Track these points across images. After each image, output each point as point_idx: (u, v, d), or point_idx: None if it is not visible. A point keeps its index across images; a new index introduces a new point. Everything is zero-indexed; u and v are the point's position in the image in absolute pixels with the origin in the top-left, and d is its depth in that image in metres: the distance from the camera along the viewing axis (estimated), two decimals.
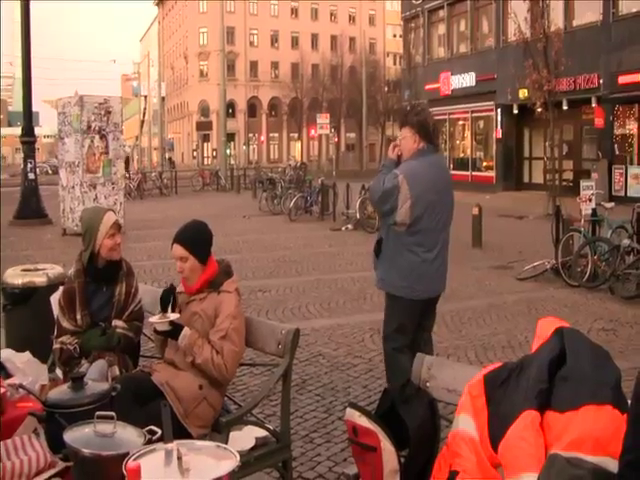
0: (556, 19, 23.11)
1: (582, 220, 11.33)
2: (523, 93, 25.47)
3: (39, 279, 5.64)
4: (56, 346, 4.25)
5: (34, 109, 22.18)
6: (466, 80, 32.50)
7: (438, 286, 5.23)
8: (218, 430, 3.54)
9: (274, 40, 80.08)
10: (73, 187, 17.84)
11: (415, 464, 2.72)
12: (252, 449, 3.57)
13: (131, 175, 33.08)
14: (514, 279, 11.30)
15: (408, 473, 2.70)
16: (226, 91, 43.90)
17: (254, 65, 78.50)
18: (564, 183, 24.83)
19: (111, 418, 2.32)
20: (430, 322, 5.41)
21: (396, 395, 2.89)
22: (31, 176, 20.32)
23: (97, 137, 17.52)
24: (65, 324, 4.29)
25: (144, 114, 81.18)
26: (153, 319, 3.87)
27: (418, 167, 4.92)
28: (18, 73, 37.08)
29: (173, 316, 3.83)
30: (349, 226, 18.41)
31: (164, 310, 3.90)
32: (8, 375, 3.64)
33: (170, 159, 45.13)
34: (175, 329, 3.80)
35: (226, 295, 3.87)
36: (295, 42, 79.52)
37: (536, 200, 22.90)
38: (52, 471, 2.39)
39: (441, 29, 36.16)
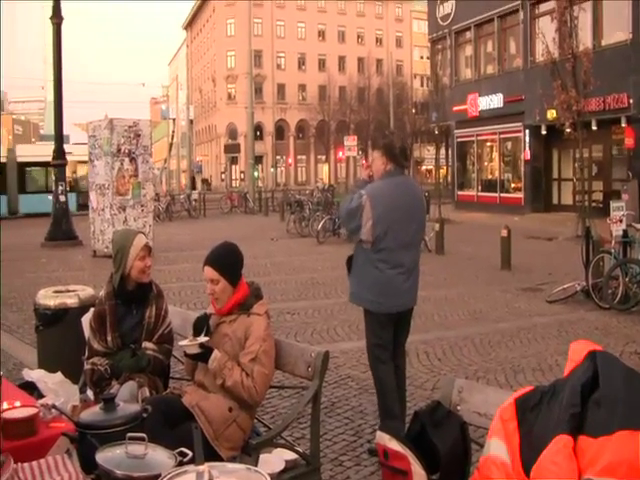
0: (584, 39, 23.01)
1: (613, 241, 11.21)
2: (551, 114, 25.33)
3: (71, 300, 5.70)
4: (87, 367, 4.29)
5: (65, 132, 22.49)
6: (494, 101, 32.43)
7: (405, 301, 5.32)
8: (248, 452, 3.53)
9: (301, 63, 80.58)
10: (103, 209, 18.02)
11: None
12: (282, 472, 3.56)
13: (160, 197, 33.37)
14: (544, 301, 11.19)
15: None
16: (254, 114, 44.26)
17: (281, 88, 79.00)
18: (594, 204, 24.59)
19: (142, 440, 2.33)
20: (404, 336, 5.51)
21: (427, 418, 2.88)
22: (62, 198, 20.58)
23: (127, 160, 17.70)
24: (96, 345, 4.33)
25: (172, 137, 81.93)
26: (183, 343, 3.90)
27: (383, 188, 5.15)
28: (50, 97, 37.50)
29: (203, 339, 3.85)
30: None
31: (196, 335, 3.93)
32: (40, 395, 3.69)
33: (206, 180, 45.37)
34: (205, 352, 3.82)
35: (256, 318, 3.89)
36: (322, 64, 79.96)
37: (565, 221, 22.72)
38: None
39: (468, 50, 36.18)
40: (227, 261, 4.02)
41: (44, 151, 28.28)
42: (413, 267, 5.32)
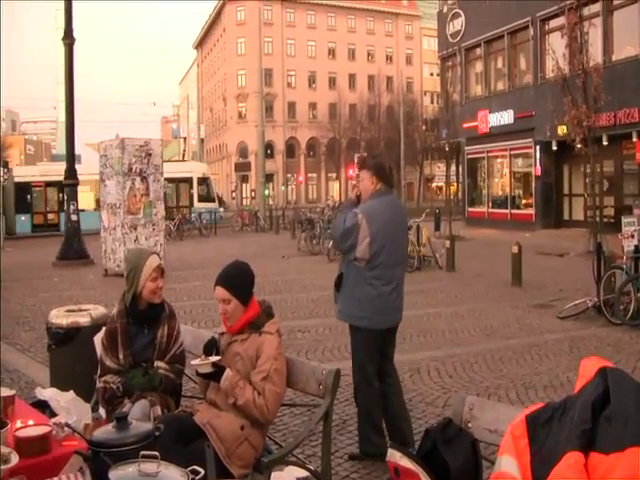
0: (595, 54, 23.03)
1: (624, 257, 11.16)
2: (562, 129, 25.33)
3: (83, 319, 5.73)
4: (99, 385, 4.31)
5: (76, 152, 22.64)
6: (504, 117, 32.47)
7: (395, 316, 5.51)
8: (259, 470, 3.55)
9: (312, 81, 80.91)
10: (114, 228, 18.10)
11: None
12: None
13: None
14: (555, 317, 11.16)
15: None
16: (264, 132, 44.38)
17: (292, 106, 79.30)
18: (605, 220, 24.52)
19: (155, 458, 2.34)
20: (391, 350, 5.68)
21: (438, 435, 2.88)
22: (74, 217, 20.68)
23: (138, 179, 17.79)
24: (108, 363, 4.36)
25: (183, 155, 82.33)
26: (195, 362, 3.91)
27: (376, 207, 5.31)
28: (61, 117, 37.98)
29: (214, 358, 3.87)
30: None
31: (207, 355, 3.96)
32: (53, 414, 3.70)
33: (220, 198, 45.89)
34: (217, 371, 3.84)
35: (267, 336, 3.91)
36: (332, 82, 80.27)
37: (577, 237, 22.66)
38: None
39: (478, 67, 36.27)
40: (238, 281, 4.05)
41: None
42: (402, 283, 5.55)
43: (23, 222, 36.85)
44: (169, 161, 45.73)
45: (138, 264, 4.42)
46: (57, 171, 32.90)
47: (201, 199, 40.10)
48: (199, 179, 40.84)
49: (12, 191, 35.83)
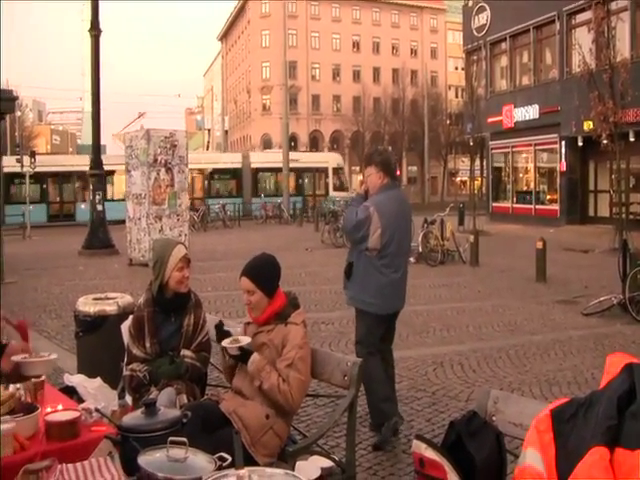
0: (622, 49, 22.81)
1: None
2: (588, 125, 25.12)
3: (110, 308, 5.80)
4: (126, 373, 4.36)
5: (102, 142, 22.83)
6: (529, 112, 32.23)
7: (400, 302, 5.91)
8: (284, 459, 3.58)
9: (336, 74, 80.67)
10: (140, 219, 18.23)
11: None
12: (318, 479, 3.58)
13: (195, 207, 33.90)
14: (579, 314, 11.10)
15: None
16: (288, 124, 44.36)
17: (316, 99, 79.14)
18: (631, 216, 24.32)
19: (183, 444, 2.38)
20: (391, 334, 6.06)
21: (463, 428, 2.89)
22: (99, 207, 20.86)
23: (163, 170, 17.91)
24: (135, 351, 4.41)
25: (208, 147, 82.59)
26: (225, 342, 3.96)
27: (385, 200, 5.63)
28: (87, 107, 38.63)
29: (245, 340, 3.92)
30: (411, 259, 18.32)
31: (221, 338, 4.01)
32: (80, 400, 3.76)
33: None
34: (245, 354, 3.89)
35: (293, 327, 3.94)
36: (357, 76, 79.99)
37: (602, 234, 22.49)
38: None
39: (503, 61, 36.02)
40: (264, 273, 4.07)
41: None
42: (407, 271, 5.92)
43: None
44: (305, 152, 52.17)
45: (164, 254, 4.46)
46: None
47: (335, 188, 42.33)
48: (334, 169, 43.29)
49: None
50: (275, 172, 42.21)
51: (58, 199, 39.24)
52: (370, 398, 5.71)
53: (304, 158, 44.07)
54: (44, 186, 38.33)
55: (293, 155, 43.28)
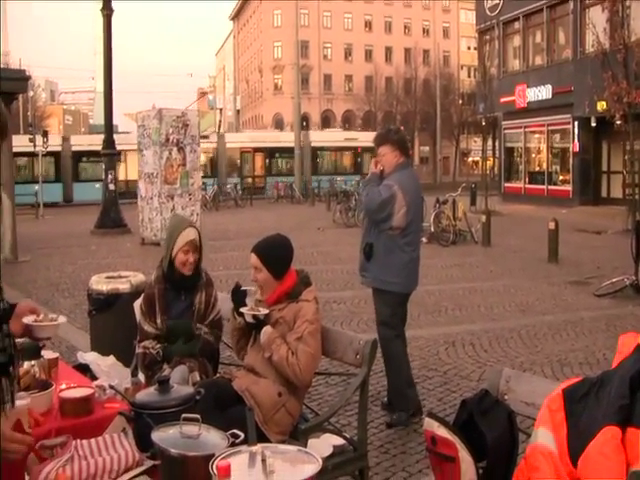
0: (637, 29, 22.55)
1: None
2: (601, 105, 24.91)
3: (123, 286, 5.82)
4: (139, 350, 4.38)
5: (114, 122, 22.85)
6: (542, 92, 32.00)
7: (418, 280, 5.91)
8: (296, 437, 3.60)
9: (348, 53, 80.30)
10: (152, 198, 18.27)
11: (493, 475, 2.71)
12: (330, 457, 3.60)
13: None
14: (591, 295, 11.08)
15: None
16: (300, 104, 44.29)
17: (328, 78, 78.85)
18: None
19: (196, 420, 2.39)
20: (406, 315, 5.99)
21: (474, 406, 2.90)
22: (111, 187, 20.92)
23: (175, 149, 17.92)
24: (147, 327, 4.43)
25: (219, 127, 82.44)
26: (244, 309, 3.97)
27: (406, 178, 5.65)
28: (99, 87, 38.76)
29: (263, 311, 3.94)
30: (423, 239, 18.27)
31: (239, 306, 4.02)
32: (93, 377, 3.79)
33: None
34: (259, 323, 3.91)
35: (305, 303, 3.95)
36: (369, 55, 79.59)
37: (615, 215, 22.37)
38: (140, 469, 2.49)
39: (516, 41, 35.73)
40: (273, 253, 4.06)
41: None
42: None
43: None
44: (363, 131, 50.48)
45: (174, 233, 4.47)
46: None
47: None
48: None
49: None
50: (334, 151, 42.95)
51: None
52: (394, 382, 5.69)
53: (362, 137, 43.81)
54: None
55: (351, 134, 44.33)
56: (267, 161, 43.91)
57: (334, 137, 44.25)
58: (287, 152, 43.12)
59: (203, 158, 37.66)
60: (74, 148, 38.06)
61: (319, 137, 45.66)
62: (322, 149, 44.44)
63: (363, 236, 5.87)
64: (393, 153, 5.62)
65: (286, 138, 44.65)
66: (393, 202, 5.47)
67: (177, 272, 4.44)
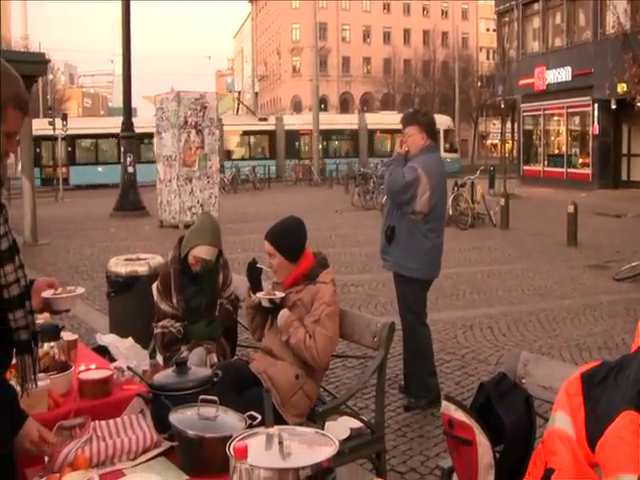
0: None
1: None
2: (622, 87, 24.68)
3: (141, 268, 5.85)
4: (157, 331, 4.40)
5: (132, 105, 22.88)
6: (562, 75, 31.68)
7: (440, 267, 5.76)
8: (313, 420, 3.60)
9: (366, 35, 79.92)
10: (170, 180, 18.31)
11: (510, 459, 2.71)
12: (347, 439, 3.61)
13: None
14: (611, 279, 11.00)
15: (503, 468, 2.69)
16: (318, 86, 44.17)
17: (346, 61, 78.56)
18: None
19: (214, 402, 2.40)
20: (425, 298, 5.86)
21: (492, 390, 2.89)
22: (130, 170, 20.97)
23: (193, 132, 17.94)
24: (163, 307, 4.46)
25: (238, 109, 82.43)
26: (260, 294, 3.97)
27: (432, 161, 5.51)
28: (117, 70, 38.82)
29: (279, 295, 3.93)
30: None
31: (255, 286, 4.04)
32: (112, 359, 3.82)
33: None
34: (275, 307, 3.91)
35: (322, 285, 3.94)
36: (387, 37, 79.18)
37: (635, 198, 22.22)
38: (158, 450, 2.50)
39: (536, 22, 35.35)
40: (286, 238, 4.04)
41: None
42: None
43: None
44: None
45: (193, 239, 4.46)
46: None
47: (446, 150, 42.20)
48: (445, 131, 43.12)
49: None
50: (391, 133, 42.45)
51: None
52: (416, 370, 5.64)
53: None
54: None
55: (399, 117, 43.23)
56: (325, 143, 44.56)
57: (390, 120, 43.91)
58: (345, 134, 44.25)
59: (260, 140, 43.03)
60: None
61: (375, 119, 45.98)
62: (381, 131, 44.98)
63: (385, 218, 5.74)
64: (420, 135, 5.46)
65: (343, 120, 45.69)
66: (417, 185, 5.31)
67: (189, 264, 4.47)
